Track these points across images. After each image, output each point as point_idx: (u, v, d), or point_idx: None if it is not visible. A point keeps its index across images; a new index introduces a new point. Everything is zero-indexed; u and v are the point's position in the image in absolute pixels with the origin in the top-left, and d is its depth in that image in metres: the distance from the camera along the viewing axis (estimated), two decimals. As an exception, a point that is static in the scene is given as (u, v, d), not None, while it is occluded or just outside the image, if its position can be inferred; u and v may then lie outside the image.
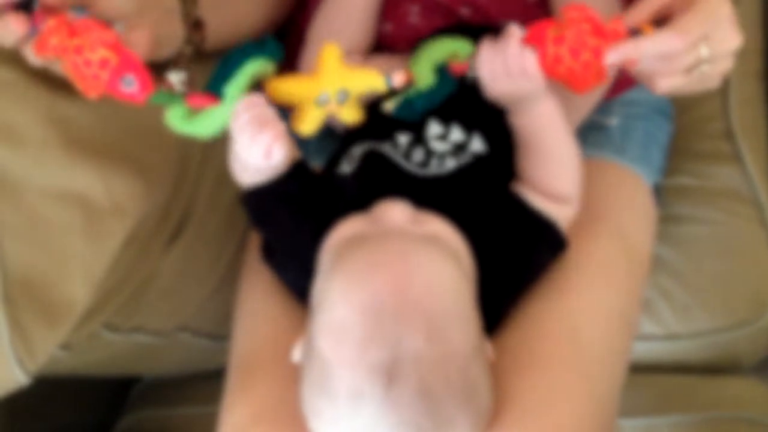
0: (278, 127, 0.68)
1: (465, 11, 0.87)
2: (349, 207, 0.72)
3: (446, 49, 0.72)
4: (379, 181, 0.73)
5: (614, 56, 0.67)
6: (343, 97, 0.70)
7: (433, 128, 0.77)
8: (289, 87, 0.71)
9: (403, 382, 0.61)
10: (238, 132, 0.67)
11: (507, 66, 0.69)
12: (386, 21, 0.88)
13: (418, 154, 0.76)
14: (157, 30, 0.69)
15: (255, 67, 0.69)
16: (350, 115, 0.73)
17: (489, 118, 0.77)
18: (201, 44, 0.81)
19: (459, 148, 0.76)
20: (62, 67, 0.67)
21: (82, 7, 0.66)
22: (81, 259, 0.73)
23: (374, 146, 0.77)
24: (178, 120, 0.69)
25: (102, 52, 0.65)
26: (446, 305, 0.64)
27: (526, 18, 0.85)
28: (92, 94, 0.67)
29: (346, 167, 0.77)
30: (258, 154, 0.68)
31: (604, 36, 0.67)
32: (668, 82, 0.69)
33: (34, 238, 0.71)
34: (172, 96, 0.68)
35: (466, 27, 0.85)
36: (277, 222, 0.75)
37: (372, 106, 0.82)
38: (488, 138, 0.77)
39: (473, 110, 0.78)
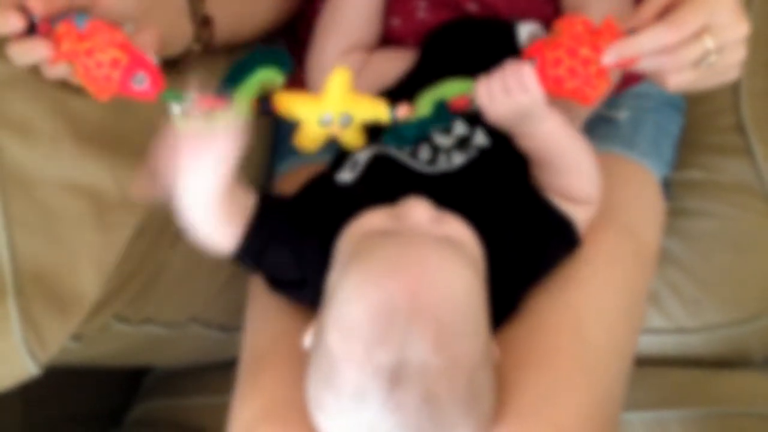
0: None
1: (472, 6, 0.87)
2: (358, 212, 0.71)
3: (454, 90, 0.72)
4: (390, 184, 0.73)
5: (611, 55, 0.66)
6: (346, 121, 0.72)
7: None
8: (294, 103, 0.72)
9: (407, 386, 0.61)
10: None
11: (504, 82, 0.68)
12: (394, 16, 0.88)
13: (424, 152, 0.76)
14: (165, 28, 0.69)
15: (265, 75, 0.70)
16: (352, 139, 0.74)
17: None
18: (209, 41, 0.82)
19: (463, 142, 0.76)
20: (74, 72, 0.69)
21: (83, 14, 0.68)
22: (92, 251, 0.74)
23: (379, 149, 0.77)
24: (179, 119, 0.69)
25: (112, 53, 0.67)
26: (459, 315, 0.63)
27: (533, 13, 0.85)
28: (104, 96, 0.69)
29: (347, 174, 0.77)
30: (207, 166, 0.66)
31: (599, 34, 0.67)
32: (678, 79, 0.68)
33: (45, 230, 0.72)
34: (181, 95, 0.69)
35: (471, 21, 0.86)
36: (280, 260, 0.74)
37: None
38: (491, 131, 0.76)
39: None
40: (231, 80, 0.70)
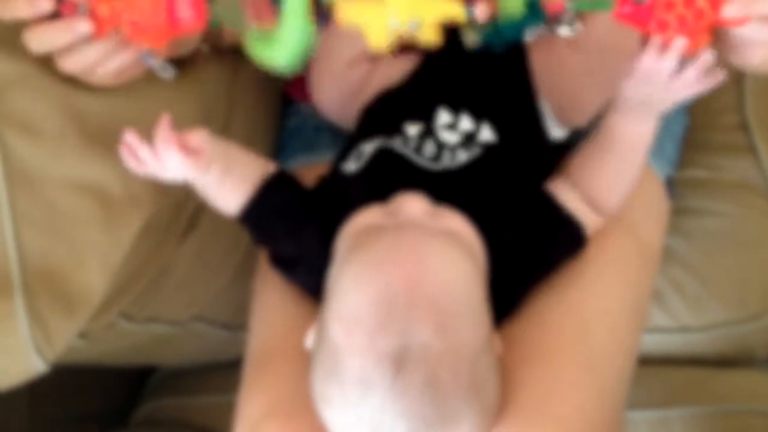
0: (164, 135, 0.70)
1: (475, 6, 0.86)
2: (359, 203, 0.72)
3: None
4: (392, 178, 0.73)
5: (735, 8, 0.62)
6: (416, 25, 0.67)
7: (443, 117, 0.78)
8: (358, 10, 0.67)
9: (410, 372, 0.61)
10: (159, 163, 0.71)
11: (674, 77, 0.64)
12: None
13: (429, 148, 0.76)
14: None
15: None
16: (427, 37, 0.68)
17: (499, 106, 0.77)
18: (218, 42, 0.82)
19: (468, 138, 0.76)
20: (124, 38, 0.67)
21: None
22: (98, 250, 0.74)
23: (385, 143, 0.77)
24: (256, 46, 0.68)
25: None
26: (457, 301, 0.64)
27: None
28: (160, 42, 0.67)
29: (352, 165, 0.77)
30: (176, 163, 0.71)
31: None
32: (764, 52, 0.66)
33: (51, 228, 0.72)
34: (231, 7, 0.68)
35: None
36: (278, 234, 0.76)
37: (380, 97, 0.82)
38: (498, 126, 0.77)
39: (483, 97, 0.78)
40: None
